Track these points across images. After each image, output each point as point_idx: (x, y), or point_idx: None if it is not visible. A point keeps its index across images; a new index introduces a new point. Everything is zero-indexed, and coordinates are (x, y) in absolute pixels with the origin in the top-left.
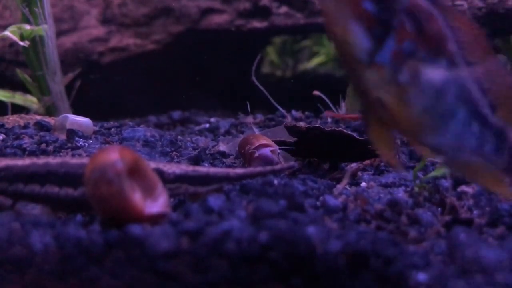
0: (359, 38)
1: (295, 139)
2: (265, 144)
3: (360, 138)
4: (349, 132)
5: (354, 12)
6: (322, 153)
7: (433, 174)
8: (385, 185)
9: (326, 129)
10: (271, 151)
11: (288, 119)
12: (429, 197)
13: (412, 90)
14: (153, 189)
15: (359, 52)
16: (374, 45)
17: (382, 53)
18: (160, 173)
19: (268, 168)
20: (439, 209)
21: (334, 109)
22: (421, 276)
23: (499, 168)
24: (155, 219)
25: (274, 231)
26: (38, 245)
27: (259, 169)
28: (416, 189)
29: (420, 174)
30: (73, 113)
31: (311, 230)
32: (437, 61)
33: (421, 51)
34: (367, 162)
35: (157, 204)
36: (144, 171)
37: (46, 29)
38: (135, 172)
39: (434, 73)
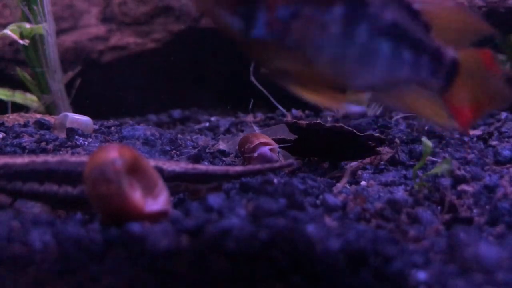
0: (229, 21)
1: (295, 137)
2: (265, 142)
3: (360, 134)
4: (349, 128)
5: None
6: (323, 150)
7: (433, 171)
8: (385, 184)
9: (326, 125)
10: (271, 149)
11: (288, 118)
12: (429, 195)
13: (310, 48)
14: (153, 187)
15: (237, 33)
16: (246, 23)
17: (256, 28)
18: (160, 171)
19: (267, 166)
20: (439, 207)
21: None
22: (421, 275)
23: (434, 90)
24: (156, 217)
25: (273, 229)
26: (37, 244)
27: (258, 167)
28: (416, 187)
29: (419, 173)
30: (73, 112)
31: (310, 228)
32: (331, 10)
33: (306, 9)
34: (367, 160)
35: (158, 202)
36: (144, 169)
37: (46, 27)
38: (135, 170)
39: (331, 23)
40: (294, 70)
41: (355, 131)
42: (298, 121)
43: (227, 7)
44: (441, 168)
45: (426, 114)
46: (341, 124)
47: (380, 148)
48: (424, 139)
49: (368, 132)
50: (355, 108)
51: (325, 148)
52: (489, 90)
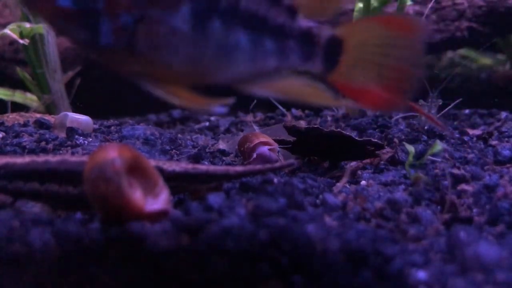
0: (74, 33)
1: (294, 138)
2: (264, 142)
3: (359, 140)
4: (348, 133)
5: (50, 14)
6: (322, 151)
7: (426, 155)
8: (385, 184)
9: (325, 130)
10: (270, 149)
11: (288, 118)
12: (426, 189)
13: (163, 50)
14: (154, 186)
15: (85, 43)
16: (91, 33)
17: (103, 36)
18: (159, 171)
19: (268, 166)
20: (439, 207)
21: (334, 108)
22: (421, 274)
23: (316, 73)
24: (156, 216)
25: (273, 229)
26: (37, 243)
27: (258, 167)
28: (412, 178)
29: (420, 173)
30: (73, 111)
31: (310, 228)
32: (178, 10)
33: (152, 12)
34: (367, 160)
35: (158, 201)
36: (144, 168)
37: (46, 27)
38: (134, 169)
39: (180, 23)
40: (150, 73)
41: (353, 136)
42: (297, 124)
43: (70, 19)
44: (433, 150)
45: (307, 99)
46: (339, 129)
47: (379, 152)
48: (407, 145)
49: (366, 138)
50: (217, 109)
51: (324, 150)
52: (400, 60)
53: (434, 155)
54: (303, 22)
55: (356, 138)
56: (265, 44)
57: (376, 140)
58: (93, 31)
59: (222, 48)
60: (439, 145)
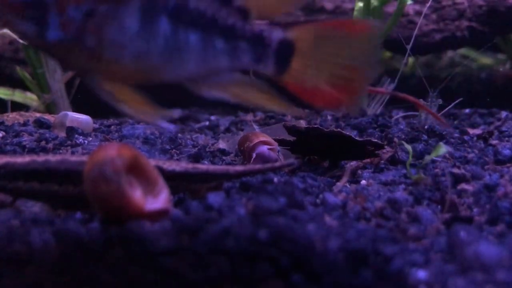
0: (21, 27)
1: (294, 138)
2: (264, 141)
3: (359, 140)
4: (348, 133)
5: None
6: (322, 151)
7: (430, 156)
8: (385, 183)
9: (325, 129)
10: (270, 148)
11: (288, 117)
12: (427, 189)
13: (111, 46)
14: (154, 186)
15: (32, 38)
16: (39, 27)
17: (51, 30)
18: (160, 170)
19: (268, 165)
20: (439, 206)
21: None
22: (421, 274)
23: (270, 74)
24: (156, 216)
25: (273, 228)
26: (37, 242)
27: (258, 166)
28: (414, 178)
29: (421, 173)
30: (73, 111)
31: (310, 227)
32: (127, 5)
33: (100, 7)
34: (367, 160)
35: (158, 200)
36: (144, 167)
37: None
38: (134, 169)
39: (128, 19)
40: (98, 70)
41: (353, 136)
42: (297, 124)
43: (17, 11)
44: (437, 152)
45: (258, 102)
46: (339, 129)
47: (379, 152)
48: (406, 145)
49: (366, 138)
50: (167, 126)
51: (324, 149)
52: (351, 61)
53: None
54: (255, 24)
55: (356, 138)
56: (215, 44)
57: (376, 140)
58: (41, 25)
59: (171, 46)
60: (443, 148)
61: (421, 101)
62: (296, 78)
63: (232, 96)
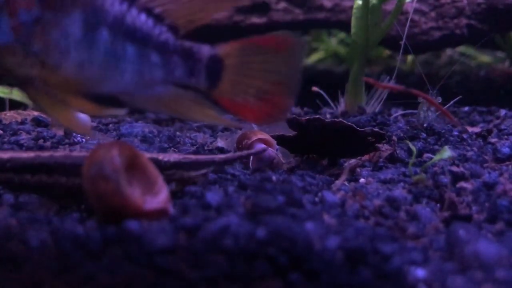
0: None
1: (294, 133)
2: (262, 139)
3: (360, 129)
4: (349, 123)
5: None
6: (322, 145)
7: (433, 160)
8: (384, 181)
9: (326, 120)
10: (267, 144)
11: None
12: (427, 188)
13: (53, 53)
14: (153, 185)
15: None
16: None
17: (1, 33)
18: (156, 161)
19: (245, 152)
20: (438, 205)
21: (333, 105)
22: (420, 272)
23: (203, 88)
24: (156, 215)
25: (272, 227)
26: (35, 242)
27: (238, 154)
28: (414, 179)
29: (420, 172)
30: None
31: (309, 226)
32: (70, 15)
33: (47, 13)
34: (366, 157)
35: (157, 199)
36: (144, 166)
37: None
38: (134, 167)
39: (71, 28)
40: (39, 76)
41: (354, 126)
42: (298, 117)
43: None
44: (442, 155)
45: (193, 116)
46: (340, 119)
47: (379, 145)
48: (410, 144)
49: (368, 127)
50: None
51: (324, 144)
52: (277, 77)
53: (434, 153)
54: (185, 41)
55: (357, 128)
56: (150, 57)
57: (377, 130)
58: None
59: (110, 56)
60: (447, 151)
61: (437, 100)
62: (226, 92)
63: (166, 109)
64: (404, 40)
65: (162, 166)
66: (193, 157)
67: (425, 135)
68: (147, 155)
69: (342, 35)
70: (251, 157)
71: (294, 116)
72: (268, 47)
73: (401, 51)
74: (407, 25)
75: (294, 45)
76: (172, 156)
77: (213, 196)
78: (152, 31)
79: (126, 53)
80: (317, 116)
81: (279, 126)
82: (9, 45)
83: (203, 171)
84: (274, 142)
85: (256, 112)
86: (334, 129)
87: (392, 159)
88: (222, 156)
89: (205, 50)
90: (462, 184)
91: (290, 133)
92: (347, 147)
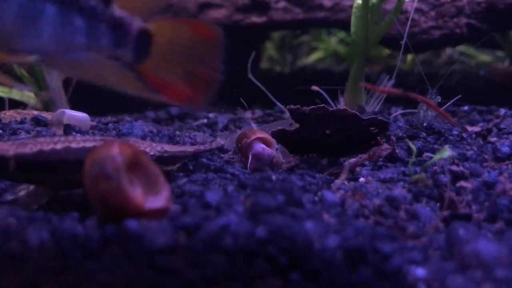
0: None
1: (296, 127)
2: (261, 138)
3: (363, 118)
4: (352, 111)
5: None
6: (324, 137)
7: (433, 159)
8: (384, 180)
9: (330, 109)
10: (266, 144)
11: (287, 115)
12: (426, 188)
13: None
14: (154, 184)
15: None
16: None
17: None
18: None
19: (213, 145)
20: (438, 204)
21: (332, 104)
22: (420, 272)
23: (129, 60)
24: (157, 214)
25: (271, 226)
26: (34, 241)
27: (202, 147)
28: (414, 179)
29: (420, 171)
30: (71, 108)
31: (309, 225)
32: None
33: None
34: (365, 156)
35: (159, 199)
36: (145, 165)
37: None
38: (135, 166)
39: None
40: None
41: (358, 114)
42: (301, 107)
43: None
44: (442, 155)
45: (114, 83)
46: (345, 107)
47: (380, 139)
48: (410, 144)
49: (371, 116)
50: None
51: (326, 136)
52: (202, 62)
53: (433, 152)
54: (116, 10)
55: (360, 116)
56: (73, 20)
57: (381, 118)
58: None
59: (26, 14)
60: (447, 150)
61: (437, 99)
62: (153, 68)
63: (88, 76)
64: (405, 39)
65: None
66: (171, 149)
67: (425, 134)
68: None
69: (341, 34)
70: (250, 157)
71: (297, 106)
72: (198, 32)
73: (402, 50)
74: (408, 24)
75: (220, 37)
76: (156, 148)
77: (213, 195)
78: None
79: (45, 13)
80: (321, 105)
81: (277, 126)
82: None
83: (178, 164)
84: (273, 141)
85: (180, 93)
86: (337, 118)
87: (392, 158)
88: (191, 149)
89: (136, 23)
90: (462, 183)
91: (291, 128)
92: (349, 140)
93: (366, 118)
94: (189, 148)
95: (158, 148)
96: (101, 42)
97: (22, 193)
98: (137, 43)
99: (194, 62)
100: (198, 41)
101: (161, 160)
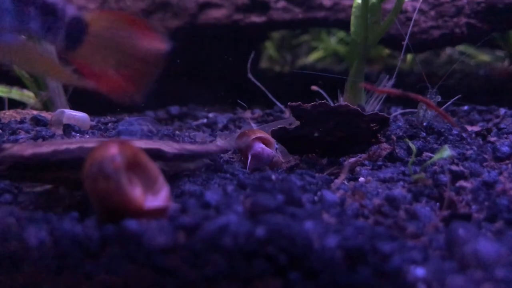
0: None
1: (296, 124)
2: (261, 137)
3: (365, 114)
4: (354, 107)
5: None
6: (324, 133)
7: (433, 159)
8: (383, 180)
9: (331, 105)
10: (265, 143)
11: (287, 114)
12: (426, 188)
13: None
14: (154, 183)
15: None
16: None
17: None
18: (161, 153)
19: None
20: (438, 204)
21: (332, 104)
22: (419, 271)
23: (60, 47)
24: (156, 213)
25: (271, 226)
26: (33, 240)
27: (224, 146)
28: (414, 178)
29: (419, 170)
30: (70, 108)
31: (308, 225)
32: None
33: None
34: (365, 156)
35: (158, 198)
36: (145, 164)
37: None
38: (134, 166)
39: None
40: None
41: (359, 109)
42: (302, 104)
43: None
44: (441, 154)
45: (42, 70)
46: (346, 103)
47: (381, 138)
48: (410, 143)
49: (373, 111)
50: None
51: (326, 133)
52: (137, 55)
53: (433, 152)
54: None
55: (362, 112)
56: (1, 2)
57: (383, 114)
58: None
59: None
60: (447, 150)
61: (437, 99)
62: (86, 57)
63: (13, 58)
64: (406, 39)
65: (167, 158)
66: (191, 148)
67: (424, 134)
68: (154, 146)
69: (341, 34)
70: (249, 157)
71: (298, 103)
72: (136, 26)
73: (403, 50)
74: (411, 24)
75: (160, 37)
76: (174, 146)
77: (212, 195)
78: None
79: None
80: (323, 101)
81: (278, 123)
82: None
83: (198, 162)
84: (273, 141)
85: (112, 85)
86: (339, 114)
87: (392, 158)
88: (214, 147)
89: (70, 10)
90: (462, 183)
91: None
92: (350, 138)
93: (368, 114)
94: (213, 147)
95: (176, 146)
96: (30, 26)
97: (39, 188)
98: (70, 30)
99: (128, 55)
100: (135, 35)
101: (180, 157)
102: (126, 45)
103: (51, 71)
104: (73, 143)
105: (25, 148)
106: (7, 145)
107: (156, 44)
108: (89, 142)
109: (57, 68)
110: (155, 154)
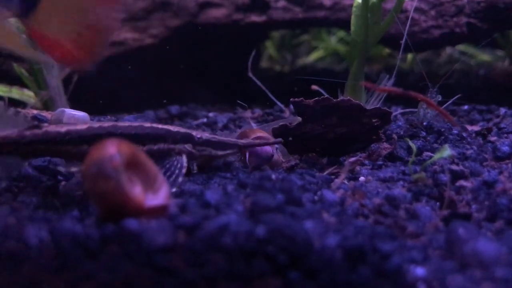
0: None
1: (298, 121)
2: (261, 137)
3: (367, 108)
4: (356, 101)
5: None
6: (325, 128)
7: (433, 159)
8: (383, 180)
9: (334, 100)
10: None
11: (287, 113)
12: (426, 187)
13: None
14: (153, 182)
15: None
16: None
17: None
18: (190, 136)
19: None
20: (438, 203)
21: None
22: (419, 271)
23: (15, 13)
24: (157, 212)
25: (271, 225)
26: (33, 240)
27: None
28: (414, 178)
29: (419, 170)
30: (71, 107)
31: (308, 224)
32: None
33: None
34: (365, 155)
35: (158, 196)
36: (144, 164)
37: None
38: (134, 165)
39: None
40: None
41: (362, 104)
42: (305, 100)
43: None
44: (441, 154)
45: (2, 43)
46: (348, 97)
47: (381, 135)
48: (410, 142)
49: (375, 107)
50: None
51: (327, 128)
52: (92, 26)
53: (433, 152)
54: None
55: (364, 106)
56: None
57: (385, 108)
58: None
59: None
60: (447, 150)
61: (437, 98)
62: (40, 24)
63: None
64: (405, 38)
65: (195, 142)
66: (220, 137)
67: (424, 133)
68: (182, 130)
69: (341, 33)
70: (247, 155)
71: (301, 98)
72: None
73: (401, 49)
74: (407, 23)
75: (114, 6)
76: (204, 134)
77: (212, 194)
78: None
79: None
80: (325, 97)
81: (278, 123)
82: None
83: (228, 151)
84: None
85: (65, 52)
86: (341, 109)
87: (392, 157)
88: (243, 141)
89: None
90: (462, 182)
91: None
92: (351, 134)
93: (370, 108)
94: (242, 140)
95: (207, 134)
96: None
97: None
98: None
99: (82, 22)
100: (89, 2)
101: (208, 143)
102: (80, 12)
103: (14, 45)
104: (105, 123)
105: (61, 126)
106: (44, 124)
107: (109, 12)
108: (119, 122)
109: (12, 36)
110: (184, 137)
